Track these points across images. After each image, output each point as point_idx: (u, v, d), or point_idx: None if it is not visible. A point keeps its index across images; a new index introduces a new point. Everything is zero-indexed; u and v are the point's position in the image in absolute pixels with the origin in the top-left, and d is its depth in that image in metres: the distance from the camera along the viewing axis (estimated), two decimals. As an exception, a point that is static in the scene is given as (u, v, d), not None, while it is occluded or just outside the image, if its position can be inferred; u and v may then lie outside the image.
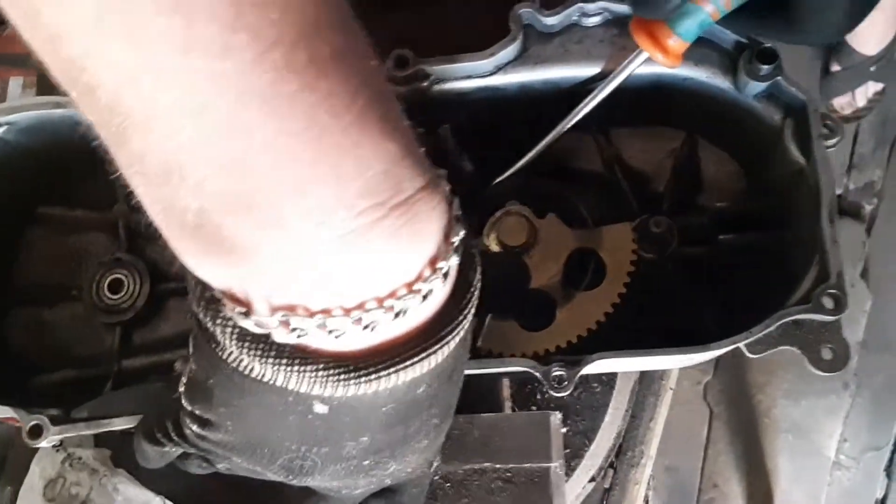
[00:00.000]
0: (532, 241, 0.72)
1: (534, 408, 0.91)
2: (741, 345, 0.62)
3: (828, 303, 0.61)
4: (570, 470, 0.91)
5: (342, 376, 0.44)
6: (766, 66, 0.63)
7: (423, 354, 0.45)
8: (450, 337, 0.47)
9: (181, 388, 0.51)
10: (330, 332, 0.42)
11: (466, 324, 0.48)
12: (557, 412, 0.70)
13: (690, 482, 1.81)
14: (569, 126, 0.69)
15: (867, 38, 1.60)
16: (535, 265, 0.73)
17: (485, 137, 0.76)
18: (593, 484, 0.99)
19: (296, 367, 0.44)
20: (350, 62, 0.37)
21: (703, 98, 0.69)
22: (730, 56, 0.67)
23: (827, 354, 0.61)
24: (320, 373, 0.44)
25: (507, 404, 0.83)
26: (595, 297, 0.72)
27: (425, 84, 0.69)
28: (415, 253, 0.42)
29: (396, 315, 0.43)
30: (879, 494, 1.80)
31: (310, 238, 0.38)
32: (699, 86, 0.69)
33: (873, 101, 1.70)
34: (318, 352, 0.44)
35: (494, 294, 0.73)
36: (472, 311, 0.49)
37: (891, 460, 1.80)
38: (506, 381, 0.83)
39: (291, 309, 0.42)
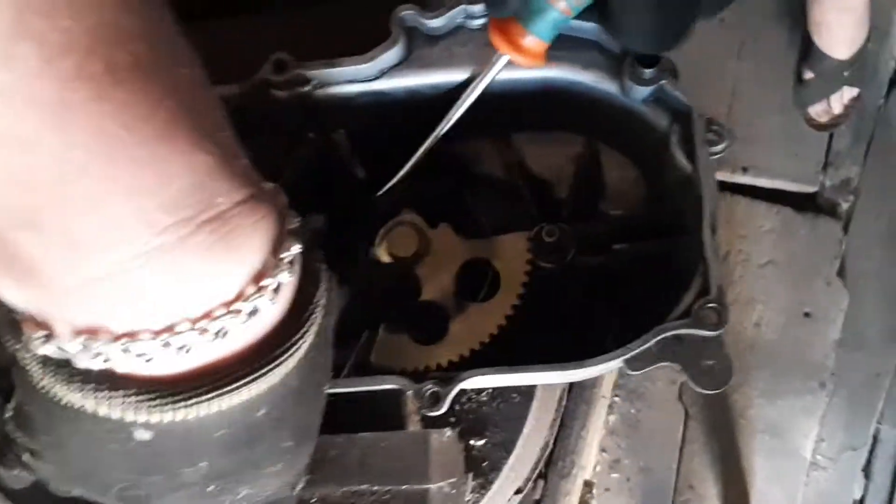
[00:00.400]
0: (423, 252, 0.70)
1: (452, 419, 0.88)
2: (620, 361, 0.59)
3: (709, 317, 0.58)
4: (487, 482, 0.88)
5: (157, 402, 0.42)
6: (648, 70, 0.61)
7: (252, 377, 0.43)
8: (285, 357, 0.44)
9: (9, 414, 0.49)
10: (137, 356, 0.40)
11: (305, 343, 0.46)
12: (447, 429, 0.68)
13: (666, 483, 1.78)
14: (441, 133, 0.67)
15: (838, 43, 1.53)
16: (426, 277, 0.70)
17: (378, 143, 0.73)
18: (520, 496, 0.96)
19: (104, 394, 0.42)
20: (154, 72, 0.35)
21: (593, 102, 0.67)
22: (616, 59, 0.64)
23: (709, 371, 0.59)
24: (131, 398, 0.42)
25: (415, 419, 0.81)
26: (489, 309, 0.70)
27: (307, 89, 0.67)
28: (231, 270, 0.40)
29: (216, 336, 0.41)
30: (857, 495, 1.77)
31: (106, 258, 0.36)
32: (588, 90, 0.66)
33: (850, 107, 1.65)
34: (130, 377, 0.42)
35: (386, 306, 0.72)
36: (314, 329, 0.47)
37: (869, 461, 1.77)
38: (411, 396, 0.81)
39: (93, 332, 0.39)
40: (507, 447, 0.89)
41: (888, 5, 1.83)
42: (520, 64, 0.60)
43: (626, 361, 0.59)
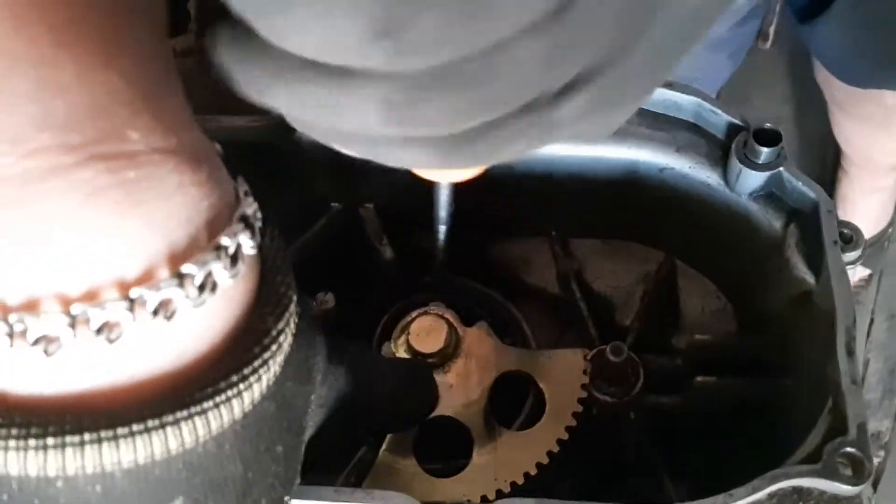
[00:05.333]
0: (451, 352, 0.55)
1: None
2: (717, 514, 0.42)
3: (844, 467, 0.42)
4: None
5: (28, 439, 0.26)
6: (766, 149, 0.50)
7: (205, 404, 0.28)
8: (258, 368, 0.30)
9: None
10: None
11: (281, 351, 0.32)
12: None
13: None
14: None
15: (860, 221, 1.51)
16: (451, 385, 0.55)
17: (416, 216, 0.61)
18: None
19: None
20: None
21: (684, 197, 0.55)
22: (720, 144, 0.54)
23: (840, 544, 0.42)
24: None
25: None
26: (526, 440, 0.53)
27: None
28: (134, 235, 0.27)
29: (100, 334, 0.26)
30: None
31: None
32: (681, 179, 0.55)
33: (858, 287, 1.59)
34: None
35: (393, 417, 0.55)
36: (289, 333, 0.33)
37: None
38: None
39: None
40: None
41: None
42: None
43: (727, 516, 0.42)
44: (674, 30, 0.22)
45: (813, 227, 0.49)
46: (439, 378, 0.55)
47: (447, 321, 0.55)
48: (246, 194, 0.33)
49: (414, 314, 0.56)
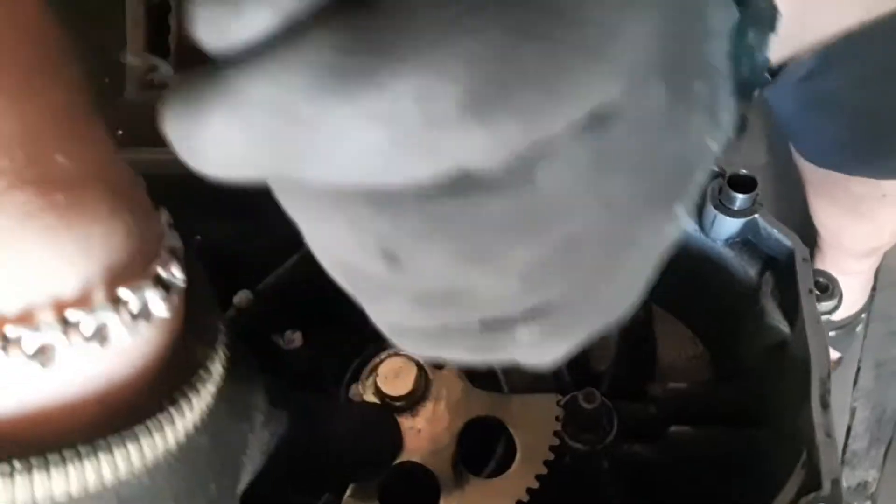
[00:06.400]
0: (420, 395, 0.53)
1: None
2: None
3: (819, 524, 0.41)
4: None
5: None
6: (741, 196, 0.49)
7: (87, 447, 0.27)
8: (170, 415, 0.29)
9: None
10: None
11: (212, 379, 0.32)
12: None
13: None
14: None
15: None
16: (420, 429, 0.53)
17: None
18: None
19: None
20: None
21: (661, 242, 0.54)
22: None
23: None
24: None
25: None
26: (496, 488, 0.52)
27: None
28: (69, 256, 0.27)
29: (35, 358, 0.26)
30: None
31: None
32: (657, 224, 0.54)
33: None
34: None
35: (358, 463, 0.54)
36: (218, 362, 0.33)
37: None
38: None
39: None
40: None
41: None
42: None
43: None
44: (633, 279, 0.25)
45: (788, 276, 0.48)
46: (408, 422, 0.53)
47: (417, 363, 0.54)
48: (170, 226, 0.33)
49: (383, 355, 0.55)
